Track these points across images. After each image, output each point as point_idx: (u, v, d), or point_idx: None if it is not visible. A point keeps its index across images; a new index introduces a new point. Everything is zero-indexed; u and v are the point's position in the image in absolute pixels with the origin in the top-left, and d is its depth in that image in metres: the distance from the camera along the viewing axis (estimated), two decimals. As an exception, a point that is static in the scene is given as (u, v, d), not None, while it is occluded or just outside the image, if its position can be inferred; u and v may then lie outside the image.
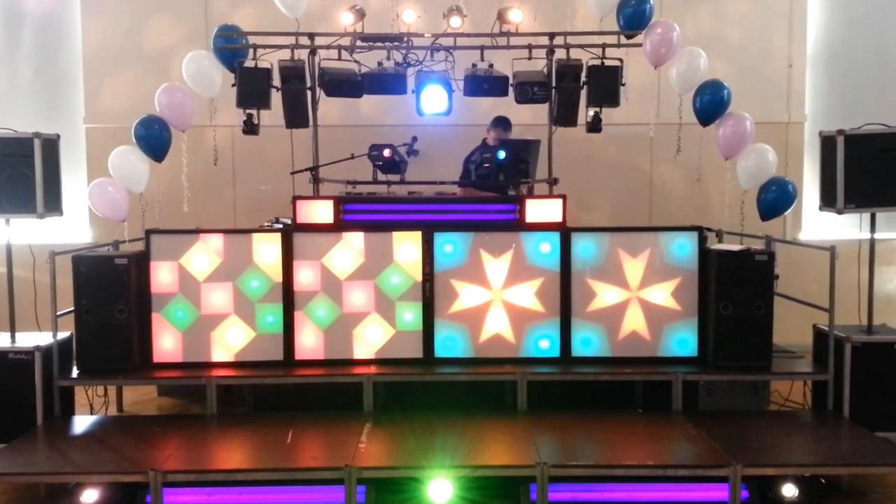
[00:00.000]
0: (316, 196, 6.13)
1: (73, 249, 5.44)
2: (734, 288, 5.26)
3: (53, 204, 5.45)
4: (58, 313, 5.28)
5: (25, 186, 5.25)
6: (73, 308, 5.32)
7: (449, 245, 5.50)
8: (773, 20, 7.72)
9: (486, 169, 6.13)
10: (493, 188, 6.29)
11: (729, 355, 5.29)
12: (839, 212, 5.35)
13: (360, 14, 6.44)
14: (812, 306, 5.45)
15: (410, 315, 5.49)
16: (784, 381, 5.68)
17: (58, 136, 5.53)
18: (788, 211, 6.05)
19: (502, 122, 6.75)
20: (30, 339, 5.26)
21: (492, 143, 6.65)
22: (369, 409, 5.18)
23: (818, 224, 7.45)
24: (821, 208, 5.60)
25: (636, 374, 5.37)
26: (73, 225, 7.35)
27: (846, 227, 6.14)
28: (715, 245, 5.70)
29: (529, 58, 6.27)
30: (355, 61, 6.36)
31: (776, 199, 5.87)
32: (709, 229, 5.77)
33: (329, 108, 6.90)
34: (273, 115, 6.30)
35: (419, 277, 5.48)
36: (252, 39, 6.26)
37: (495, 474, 4.30)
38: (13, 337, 5.31)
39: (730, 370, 5.29)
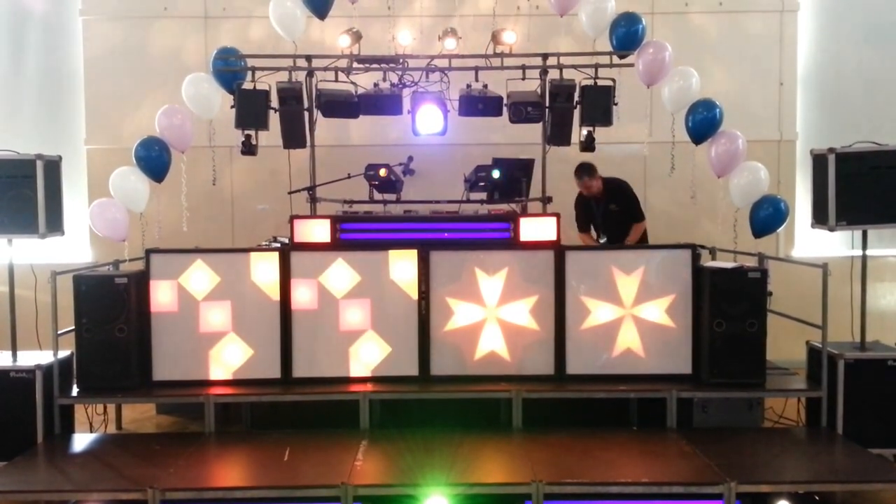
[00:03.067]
0: (313, 215, 6.17)
1: (74, 269, 5.49)
2: (728, 305, 5.28)
3: (55, 224, 5.51)
4: (58, 332, 5.32)
5: (27, 207, 5.32)
6: (73, 327, 5.36)
7: (445, 263, 5.54)
8: (764, 39, 7.77)
9: (481, 188, 6.19)
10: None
11: (723, 372, 5.31)
12: (831, 229, 5.38)
13: (357, 36, 6.53)
14: (805, 323, 5.47)
15: (406, 333, 5.53)
16: (778, 398, 5.69)
17: (59, 158, 5.60)
18: (781, 228, 6.09)
19: (581, 169, 6.62)
20: (31, 357, 5.30)
21: (584, 192, 6.70)
22: (366, 426, 5.21)
23: (811, 241, 7.48)
24: (813, 226, 5.62)
25: (631, 392, 5.39)
26: (74, 245, 7.41)
27: (838, 245, 6.18)
28: (708, 262, 5.74)
29: (523, 78, 6.33)
30: (352, 83, 6.44)
31: (769, 216, 5.92)
32: (702, 247, 5.81)
33: (326, 129, 6.96)
34: (271, 136, 6.36)
35: (415, 295, 5.52)
36: (250, 62, 6.33)
37: (491, 492, 4.31)
38: (14, 355, 5.36)
39: (724, 387, 5.30)
